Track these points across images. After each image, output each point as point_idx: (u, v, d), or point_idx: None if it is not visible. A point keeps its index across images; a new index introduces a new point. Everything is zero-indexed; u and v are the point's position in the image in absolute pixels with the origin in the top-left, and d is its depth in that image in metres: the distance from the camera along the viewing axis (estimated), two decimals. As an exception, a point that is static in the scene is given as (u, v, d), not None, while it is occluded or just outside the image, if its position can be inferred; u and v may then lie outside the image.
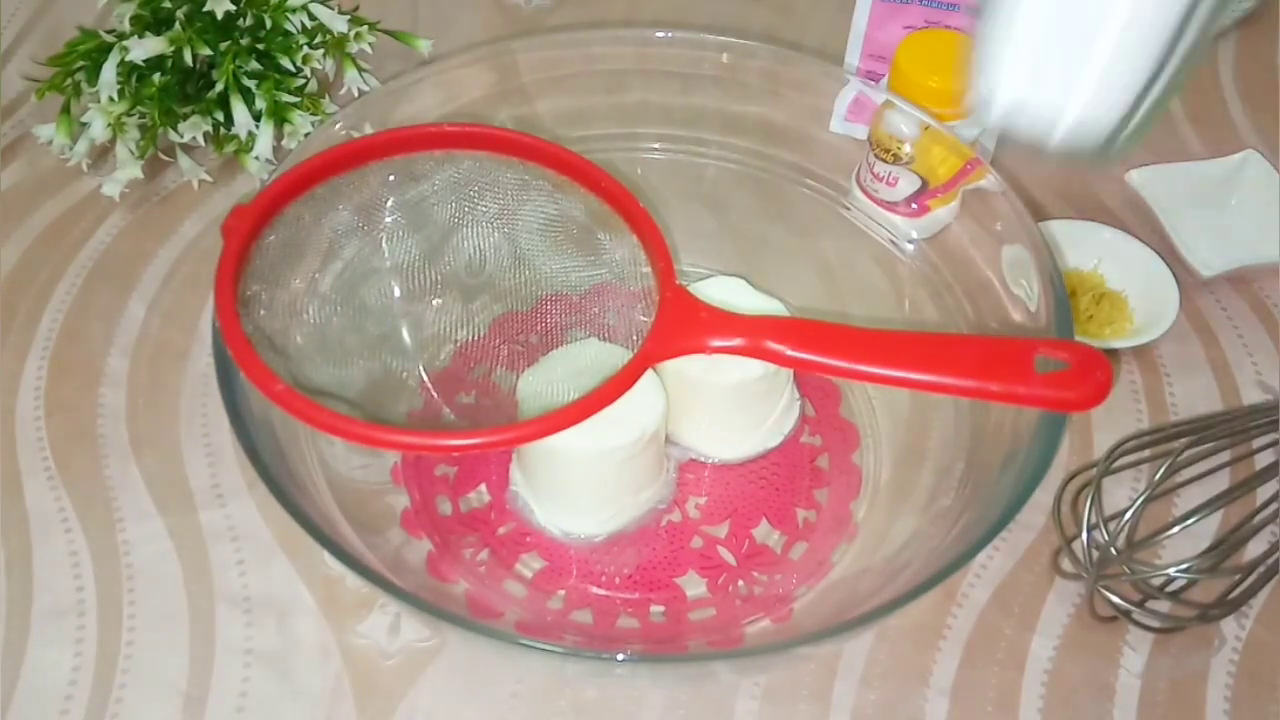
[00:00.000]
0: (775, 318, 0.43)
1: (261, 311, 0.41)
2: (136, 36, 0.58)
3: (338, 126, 0.49)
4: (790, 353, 0.42)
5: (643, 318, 0.44)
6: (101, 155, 0.62)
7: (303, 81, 0.61)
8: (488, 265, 0.49)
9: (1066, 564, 0.48)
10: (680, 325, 0.43)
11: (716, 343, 0.43)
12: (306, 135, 0.58)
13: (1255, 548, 0.49)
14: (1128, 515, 0.46)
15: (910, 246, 0.53)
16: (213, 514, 0.50)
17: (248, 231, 0.42)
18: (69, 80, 0.60)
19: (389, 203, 0.47)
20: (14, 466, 0.51)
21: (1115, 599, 0.47)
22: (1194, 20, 0.26)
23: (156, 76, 0.59)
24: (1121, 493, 0.51)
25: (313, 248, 0.46)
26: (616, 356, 0.45)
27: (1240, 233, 0.62)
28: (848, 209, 0.55)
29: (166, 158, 0.61)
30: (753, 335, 0.42)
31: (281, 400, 0.39)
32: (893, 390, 0.46)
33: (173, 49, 0.58)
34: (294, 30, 0.61)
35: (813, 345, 0.41)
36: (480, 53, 0.54)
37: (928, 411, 0.50)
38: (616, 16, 0.75)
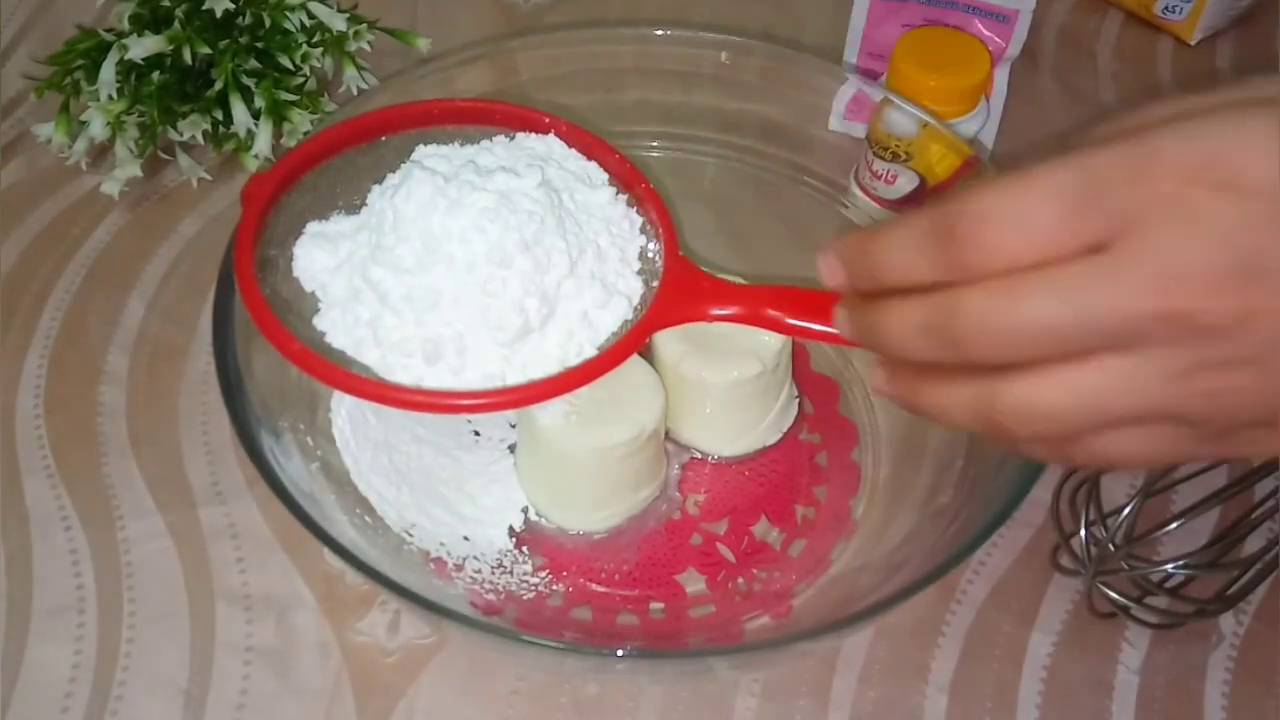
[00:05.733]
0: (774, 286, 0.43)
1: (278, 276, 0.41)
2: (135, 35, 0.58)
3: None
4: (788, 320, 0.41)
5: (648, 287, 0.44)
6: (101, 154, 0.62)
7: (302, 80, 0.61)
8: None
9: (1065, 560, 0.49)
10: (683, 294, 0.43)
11: (717, 310, 0.42)
12: (306, 134, 0.58)
13: (1253, 543, 0.49)
14: (1126, 511, 0.46)
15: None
16: (212, 511, 0.50)
17: (267, 198, 0.42)
18: (68, 79, 0.60)
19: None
20: (14, 464, 0.51)
21: (1114, 595, 0.47)
22: None
23: (155, 75, 0.59)
24: (1120, 489, 0.51)
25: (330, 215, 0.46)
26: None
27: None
28: (846, 207, 0.55)
29: (166, 156, 0.61)
30: (752, 303, 0.42)
31: (299, 359, 0.39)
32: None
33: (172, 47, 0.58)
34: (293, 29, 0.61)
35: (810, 313, 0.40)
36: (479, 51, 0.54)
37: (926, 409, 0.50)
38: (615, 14, 0.75)
